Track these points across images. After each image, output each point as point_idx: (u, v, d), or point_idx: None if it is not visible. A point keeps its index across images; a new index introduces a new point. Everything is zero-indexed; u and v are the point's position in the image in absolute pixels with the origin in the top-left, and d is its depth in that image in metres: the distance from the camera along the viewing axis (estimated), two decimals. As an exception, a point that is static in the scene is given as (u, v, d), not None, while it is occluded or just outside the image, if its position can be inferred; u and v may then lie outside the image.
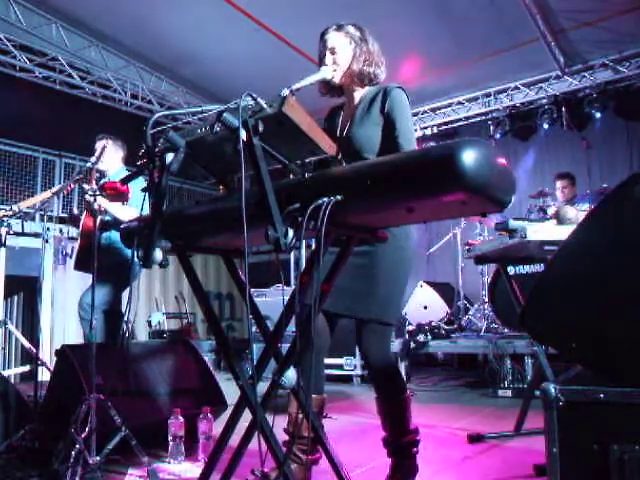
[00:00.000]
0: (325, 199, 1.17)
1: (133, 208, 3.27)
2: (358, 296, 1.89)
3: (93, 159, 2.98)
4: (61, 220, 6.59)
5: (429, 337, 5.08)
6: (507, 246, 2.41)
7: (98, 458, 2.08)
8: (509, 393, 4.10)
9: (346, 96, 2.10)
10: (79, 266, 3.52)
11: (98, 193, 2.66)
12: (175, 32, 5.93)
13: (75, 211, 4.34)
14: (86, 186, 3.00)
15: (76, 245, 3.52)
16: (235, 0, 5.35)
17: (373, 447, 2.34)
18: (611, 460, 0.99)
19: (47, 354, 4.85)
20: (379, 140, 1.93)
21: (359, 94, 2.04)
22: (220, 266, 8.02)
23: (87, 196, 3.26)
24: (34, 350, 3.27)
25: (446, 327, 5.42)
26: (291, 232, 1.20)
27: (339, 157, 1.92)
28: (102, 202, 3.10)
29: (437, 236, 6.64)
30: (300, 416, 1.94)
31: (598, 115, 6.44)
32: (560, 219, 2.71)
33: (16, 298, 5.69)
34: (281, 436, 1.70)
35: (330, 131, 2.07)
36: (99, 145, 3.66)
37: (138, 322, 6.99)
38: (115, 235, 3.50)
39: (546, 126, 6.80)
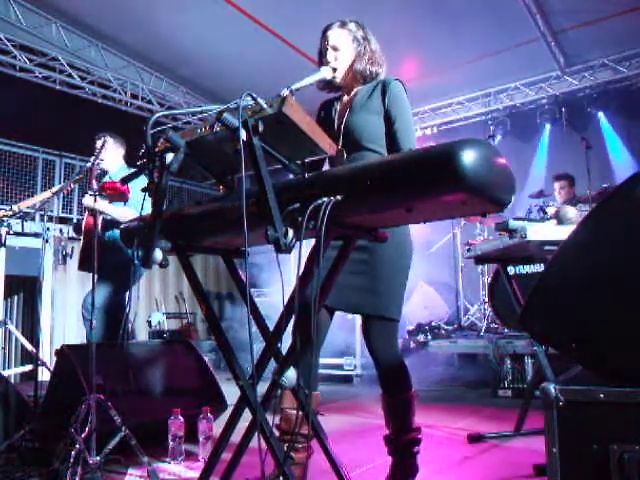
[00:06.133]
0: (325, 199, 1.17)
1: (132, 209, 3.27)
2: (361, 292, 1.89)
3: (93, 158, 2.98)
4: (61, 220, 6.59)
5: (429, 337, 5.09)
6: (507, 246, 2.41)
7: (98, 458, 2.08)
8: (509, 393, 4.10)
9: (344, 91, 2.10)
10: (83, 266, 3.51)
11: (98, 193, 2.66)
12: (175, 32, 5.93)
13: (75, 220, 4.35)
14: (89, 192, 3.01)
15: (79, 245, 3.52)
16: (235, 0, 5.35)
17: (373, 447, 2.34)
18: (611, 460, 0.99)
19: (47, 354, 4.84)
20: (381, 129, 1.93)
21: (357, 88, 2.05)
22: (220, 266, 8.01)
23: (85, 198, 3.26)
24: (34, 350, 3.27)
25: (446, 327, 5.43)
26: (291, 232, 1.20)
27: (340, 147, 1.93)
28: (100, 206, 3.11)
29: (437, 236, 6.63)
30: (293, 413, 1.94)
31: (598, 115, 6.44)
32: (560, 219, 2.71)
33: (16, 298, 5.68)
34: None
35: (326, 121, 2.08)
36: (99, 144, 3.66)
37: (138, 322, 6.98)
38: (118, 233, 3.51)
39: (546, 126, 6.80)
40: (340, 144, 1.95)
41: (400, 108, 1.91)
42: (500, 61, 6.16)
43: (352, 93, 2.05)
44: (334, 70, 1.98)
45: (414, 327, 5.27)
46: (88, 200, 3.21)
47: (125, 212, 3.29)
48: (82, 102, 6.67)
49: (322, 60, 2.01)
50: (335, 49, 1.97)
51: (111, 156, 3.70)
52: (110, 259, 3.30)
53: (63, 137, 6.82)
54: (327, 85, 2.07)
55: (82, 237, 3.50)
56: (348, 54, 1.98)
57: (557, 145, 6.68)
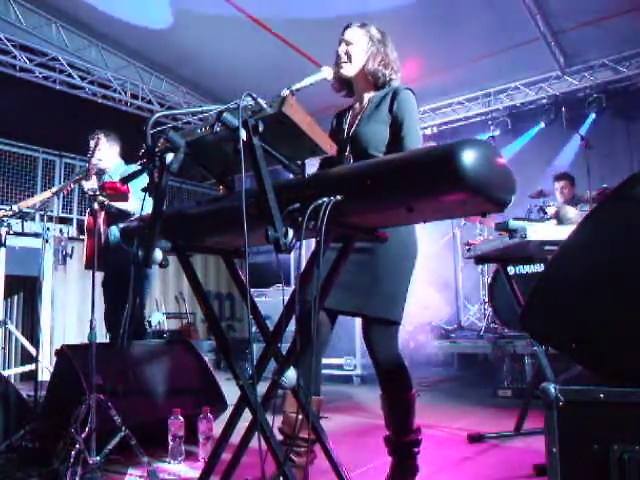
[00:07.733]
0: (325, 199, 1.17)
1: (138, 201, 3.26)
2: (363, 293, 1.88)
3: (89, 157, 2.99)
4: (61, 220, 6.59)
5: (429, 337, 5.09)
6: (507, 246, 2.41)
7: (98, 458, 2.08)
8: (509, 393, 4.10)
9: (356, 95, 2.11)
10: (90, 266, 3.48)
11: (98, 193, 2.66)
12: (175, 32, 5.93)
13: (83, 218, 4.32)
14: (85, 184, 2.99)
15: (79, 245, 3.51)
16: (235, 0, 5.35)
17: (373, 447, 2.34)
18: (611, 460, 0.99)
19: (47, 354, 4.84)
20: (386, 138, 1.93)
21: (369, 95, 2.05)
22: (220, 266, 8.02)
23: (87, 184, 3.23)
24: (34, 350, 3.27)
25: (446, 327, 5.43)
26: (291, 232, 1.20)
27: (346, 154, 1.94)
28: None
29: (437, 236, 6.64)
30: (295, 416, 1.93)
31: (598, 115, 6.44)
32: (560, 219, 2.71)
33: (16, 298, 5.68)
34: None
35: (337, 130, 2.08)
36: (92, 144, 3.65)
37: (138, 322, 6.97)
38: None
39: (546, 126, 6.79)
40: (348, 152, 1.95)
41: (408, 116, 1.91)
42: (500, 61, 6.15)
43: (364, 101, 2.05)
44: (342, 67, 1.98)
45: (414, 327, 5.26)
46: (90, 184, 3.13)
47: (131, 203, 3.27)
48: (82, 102, 6.66)
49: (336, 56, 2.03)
50: (348, 43, 1.98)
51: (107, 154, 3.70)
52: (119, 260, 3.29)
53: (63, 137, 6.82)
54: (341, 86, 2.08)
55: (86, 237, 3.49)
56: (361, 50, 1.98)
57: (557, 145, 6.68)
